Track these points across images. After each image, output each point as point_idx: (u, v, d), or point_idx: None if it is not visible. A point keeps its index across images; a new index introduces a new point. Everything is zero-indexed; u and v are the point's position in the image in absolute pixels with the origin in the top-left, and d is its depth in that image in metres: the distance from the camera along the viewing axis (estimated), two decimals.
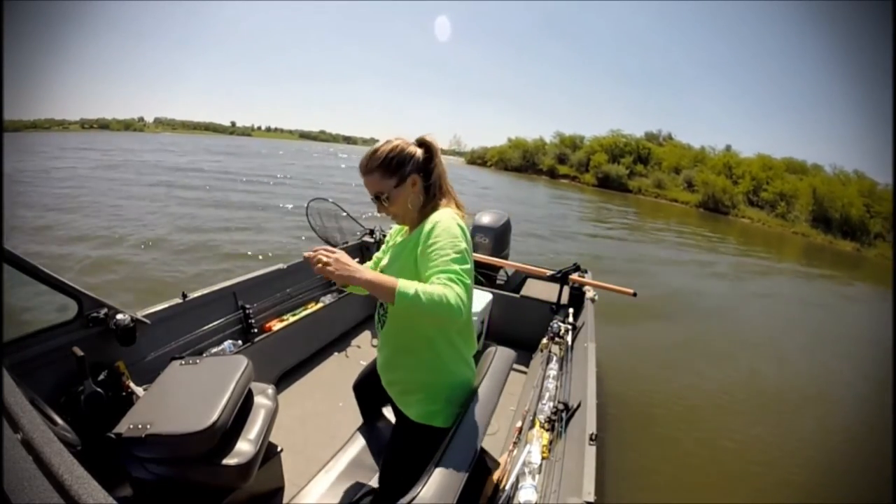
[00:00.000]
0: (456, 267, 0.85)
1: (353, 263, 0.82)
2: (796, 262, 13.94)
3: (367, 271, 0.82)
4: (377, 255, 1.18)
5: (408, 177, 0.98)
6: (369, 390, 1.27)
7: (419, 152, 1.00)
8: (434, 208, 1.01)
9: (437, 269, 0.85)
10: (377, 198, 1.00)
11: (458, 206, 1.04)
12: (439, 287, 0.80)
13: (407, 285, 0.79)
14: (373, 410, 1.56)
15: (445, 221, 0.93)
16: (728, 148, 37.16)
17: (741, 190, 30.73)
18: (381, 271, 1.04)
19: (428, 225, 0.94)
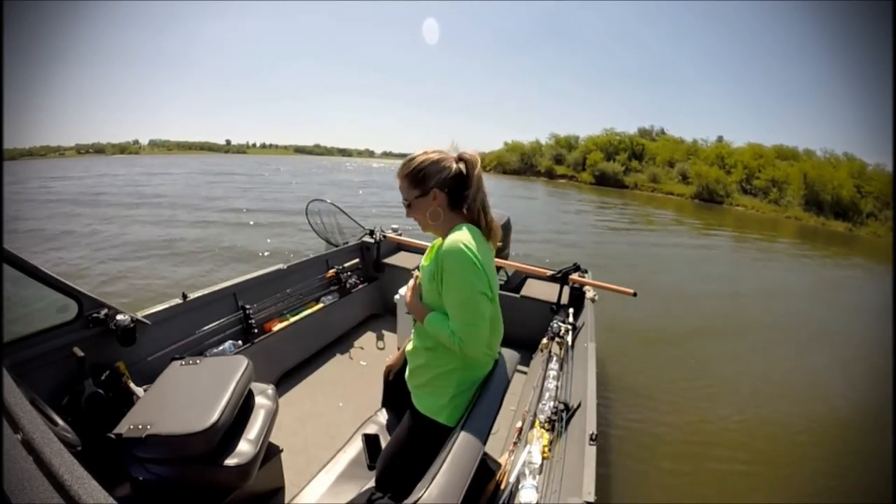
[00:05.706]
0: (463, 328, 0.96)
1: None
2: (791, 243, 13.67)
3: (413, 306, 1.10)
4: (423, 260, 1.18)
5: (430, 190, 0.99)
6: (398, 385, 1.27)
7: (453, 167, 1.00)
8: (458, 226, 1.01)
9: (454, 322, 0.98)
10: (405, 202, 1.05)
11: (490, 227, 1.04)
12: (448, 335, 0.98)
13: (428, 324, 1.03)
14: (392, 404, 1.54)
15: (454, 255, 0.93)
16: (720, 139, 37.40)
17: (734, 179, 30.87)
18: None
19: (441, 254, 0.96)
